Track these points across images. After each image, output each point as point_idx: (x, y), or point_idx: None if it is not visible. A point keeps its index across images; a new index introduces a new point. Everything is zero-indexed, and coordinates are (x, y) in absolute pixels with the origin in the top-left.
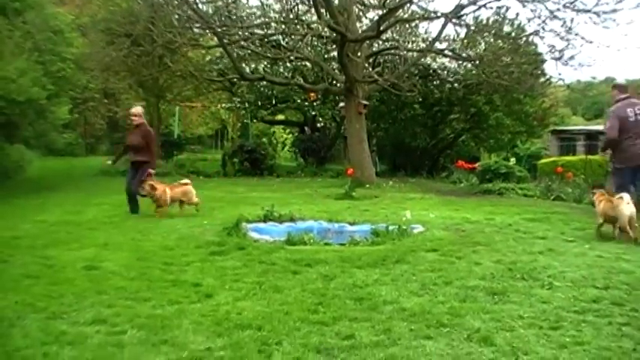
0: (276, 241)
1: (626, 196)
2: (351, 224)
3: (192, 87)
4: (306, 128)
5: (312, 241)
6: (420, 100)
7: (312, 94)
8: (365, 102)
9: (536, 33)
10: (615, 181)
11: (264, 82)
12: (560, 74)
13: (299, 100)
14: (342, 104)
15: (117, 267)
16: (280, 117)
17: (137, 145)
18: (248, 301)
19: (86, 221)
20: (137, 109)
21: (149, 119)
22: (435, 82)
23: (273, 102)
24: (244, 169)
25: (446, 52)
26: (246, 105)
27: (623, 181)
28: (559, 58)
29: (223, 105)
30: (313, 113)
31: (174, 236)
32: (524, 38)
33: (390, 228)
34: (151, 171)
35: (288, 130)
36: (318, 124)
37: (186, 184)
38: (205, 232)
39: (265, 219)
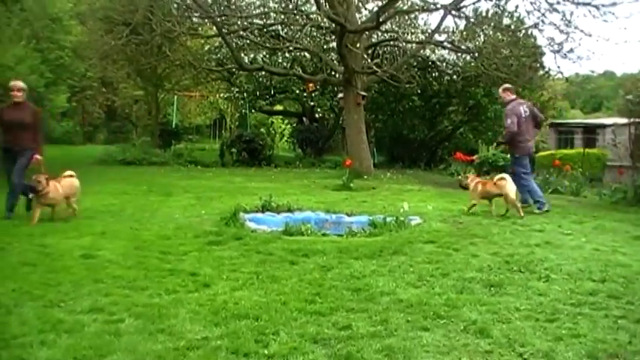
0: (274, 232)
1: (507, 177)
2: (349, 215)
3: (190, 76)
4: (304, 119)
5: (309, 231)
6: (419, 91)
7: (311, 85)
8: (363, 93)
9: (535, 26)
10: (518, 168)
11: (263, 73)
12: (558, 67)
13: (297, 91)
14: (340, 95)
15: (114, 256)
16: (279, 107)
17: (25, 123)
18: (245, 290)
19: (83, 210)
20: (20, 84)
21: (147, 108)
22: (433, 74)
23: (272, 92)
24: (242, 159)
25: (445, 44)
26: (245, 95)
27: (525, 166)
28: (558, 51)
29: (222, 95)
30: (312, 104)
31: (171, 225)
32: (523, 31)
33: (388, 219)
34: (38, 157)
35: (286, 121)
36: (317, 115)
37: (70, 176)
38: (203, 222)
39: (263, 209)
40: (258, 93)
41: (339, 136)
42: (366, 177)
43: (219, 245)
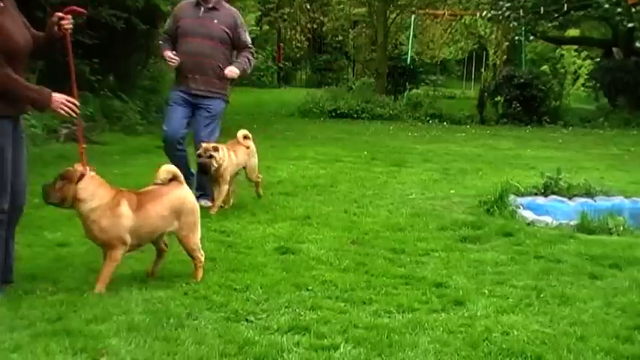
0: (563, 226)
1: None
2: None
3: None
4: (614, 50)
5: (621, 228)
6: None
7: None
8: None
9: None
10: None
11: None
12: None
13: (607, 5)
14: None
15: (322, 252)
16: (573, 32)
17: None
18: (519, 315)
19: (279, 182)
20: None
21: (371, 34)
22: None
23: (564, 8)
24: (513, 113)
25: None
26: (520, 13)
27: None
28: None
29: (484, 13)
30: (629, 26)
31: (405, 210)
32: None
33: None
34: None
35: (584, 54)
36: (638, 44)
37: None
38: (452, 207)
39: (546, 191)
40: (541, 10)
41: None
42: None
43: (478, 243)
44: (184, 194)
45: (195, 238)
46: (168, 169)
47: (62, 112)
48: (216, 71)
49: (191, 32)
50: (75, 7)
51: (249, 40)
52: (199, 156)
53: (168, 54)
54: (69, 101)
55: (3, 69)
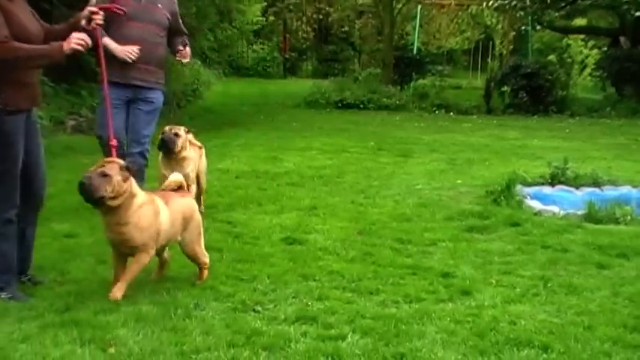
0: (570, 216)
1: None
2: None
3: None
4: (621, 39)
5: (629, 217)
6: None
7: None
8: None
9: None
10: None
11: None
12: None
13: None
14: None
15: (329, 242)
16: (580, 22)
17: None
18: (526, 304)
19: (285, 173)
20: None
21: (377, 25)
22: None
23: None
24: (519, 103)
25: None
26: (527, 2)
27: None
28: None
29: (490, 3)
30: (637, 14)
31: (412, 201)
32: None
33: None
34: None
35: (591, 43)
36: None
37: None
38: (459, 197)
39: (553, 180)
40: None
41: None
42: None
43: (485, 233)
44: (195, 205)
45: (201, 247)
46: (177, 178)
47: (78, 47)
48: (159, 60)
49: (134, 17)
50: (115, 7)
51: (184, 28)
52: (164, 132)
53: (122, 47)
54: (78, 37)
55: (8, 43)
